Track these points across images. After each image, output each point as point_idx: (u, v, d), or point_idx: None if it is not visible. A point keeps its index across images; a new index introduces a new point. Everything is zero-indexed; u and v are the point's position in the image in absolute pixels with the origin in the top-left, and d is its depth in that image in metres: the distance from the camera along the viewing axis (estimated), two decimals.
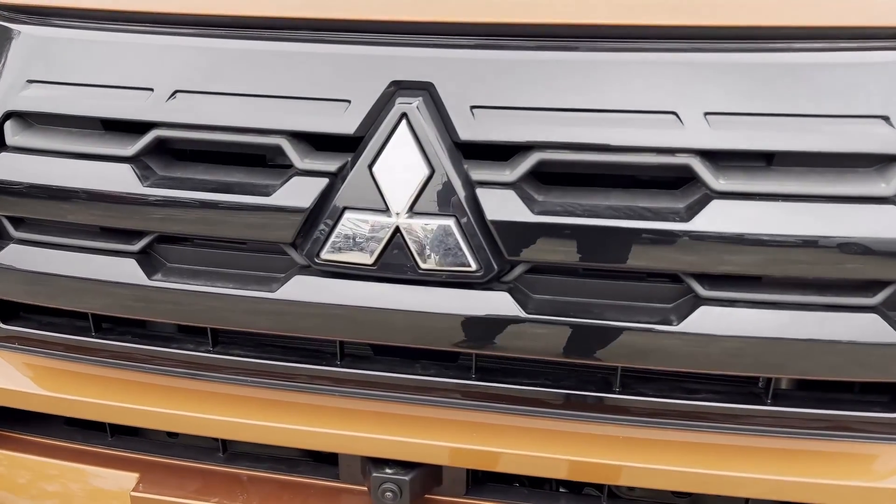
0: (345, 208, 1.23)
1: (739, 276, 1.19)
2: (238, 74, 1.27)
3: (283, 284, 1.29)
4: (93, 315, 1.46)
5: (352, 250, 1.24)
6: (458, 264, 1.22)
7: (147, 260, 1.36)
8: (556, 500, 1.42)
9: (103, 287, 1.37)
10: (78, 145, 1.34)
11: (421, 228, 1.21)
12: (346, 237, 1.23)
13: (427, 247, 1.22)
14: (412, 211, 1.21)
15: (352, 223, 1.23)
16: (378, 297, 1.26)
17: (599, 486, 1.45)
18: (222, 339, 1.44)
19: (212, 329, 1.40)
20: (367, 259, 1.23)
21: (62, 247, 1.39)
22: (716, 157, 1.17)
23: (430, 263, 1.22)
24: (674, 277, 1.22)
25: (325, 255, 1.25)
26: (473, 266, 1.21)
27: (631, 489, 1.49)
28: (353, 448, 1.36)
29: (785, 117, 1.14)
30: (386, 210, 1.22)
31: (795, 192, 1.14)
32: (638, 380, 1.32)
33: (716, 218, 1.14)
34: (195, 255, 1.38)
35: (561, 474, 1.32)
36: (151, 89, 1.30)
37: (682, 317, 1.19)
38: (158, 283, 1.34)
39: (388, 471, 1.34)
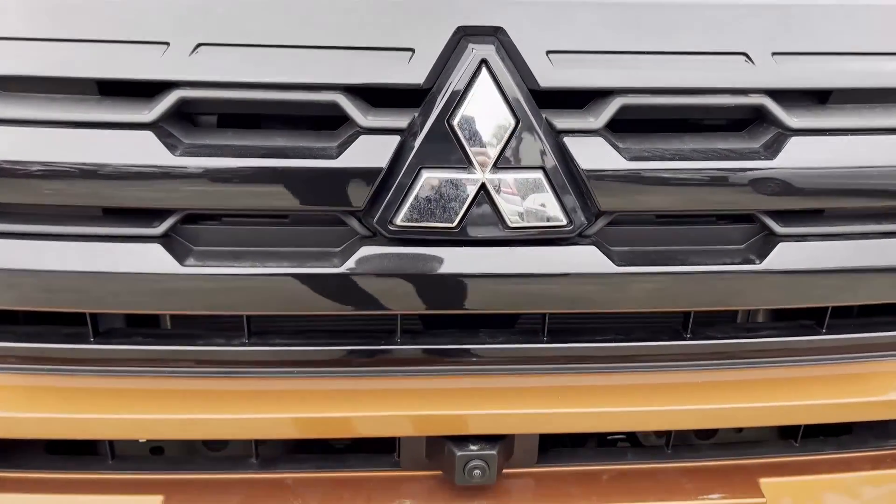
0: (421, 167, 1.12)
1: (809, 210, 1.23)
2: (278, 24, 1.11)
3: (348, 258, 1.16)
4: (91, 317, 1.23)
5: (433, 213, 1.13)
6: (548, 219, 1.15)
7: (171, 244, 1.16)
8: (622, 455, 1.41)
9: (119, 281, 1.15)
10: (73, 113, 1.11)
11: (508, 184, 1.13)
12: (426, 199, 1.12)
13: (515, 203, 1.14)
14: (497, 166, 1.13)
15: (432, 183, 1.12)
16: (461, 262, 1.16)
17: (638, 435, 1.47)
18: (255, 328, 1.27)
19: (246, 318, 1.23)
20: (450, 222, 1.13)
21: (55, 237, 1.15)
22: (783, 97, 1.19)
23: (517, 221, 1.14)
24: (746, 218, 1.24)
25: (401, 221, 1.13)
26: (563, 220, 1.15)
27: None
28: (434, 428, 1.25)
29: (847, 55, 1.19)
30: (469, 166, 1.12)
31: (860, 126, 1.20)
32: (702, 325, 1.33)
33: (796, 155, 1.17)
34: (226, 236, 1.19)
35: (649, 426, 1.31)
36: (167, 43, 1.10)
37: (762, 255, 1.22)
38: (193, 268, 1.15)
39: (472, 448, 1.25)
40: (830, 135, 1.19)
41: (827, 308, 1.30)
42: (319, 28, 1.11)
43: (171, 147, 1.10)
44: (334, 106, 1.11)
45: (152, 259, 1.14)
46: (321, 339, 1.26)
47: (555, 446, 1.43)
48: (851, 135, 1.19)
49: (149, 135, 1.10)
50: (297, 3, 1.12)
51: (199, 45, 1.10)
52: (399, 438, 1.34)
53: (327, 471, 1.35)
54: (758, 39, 1.17)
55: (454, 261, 1.16)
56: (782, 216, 1.22)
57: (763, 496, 1.33)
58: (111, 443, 1.35)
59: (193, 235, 1.19)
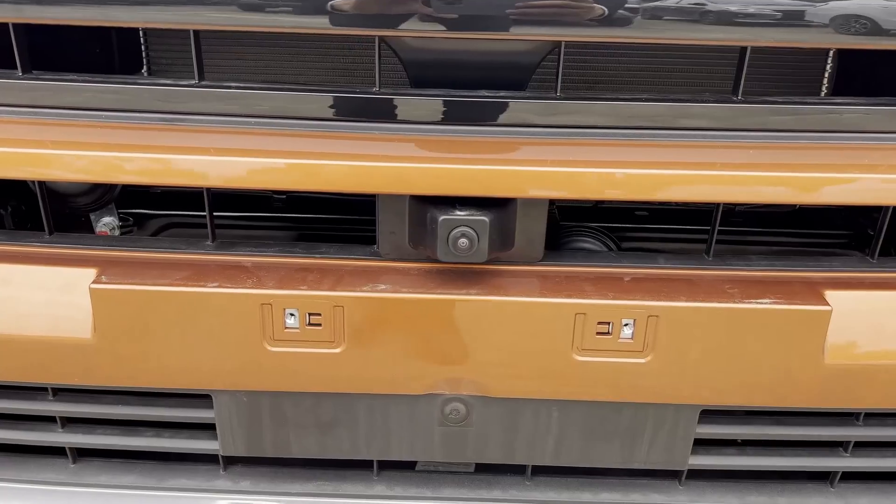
0: None
1: None
2: None
3: None
4: (17, 47, 1.05)
5: None
6: None
7: None
8: (653, 260, 1.15)
9: None
10: None
11: None
12: None
13: None
14: None
15: None
16: None
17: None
18: (210, 68, 1.07)
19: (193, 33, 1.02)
20: None
21: None
22: None
23: None
24: None
25: None
26: None
27: None
28: (412, 185, 1.02)
29: None
30: None
31: None
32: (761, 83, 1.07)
33: None
34: None
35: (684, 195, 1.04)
36: None
37: None
38: None
39: (459, 213, 1.02)
40: None
41: None
42: None
43: None
44: None
45: None
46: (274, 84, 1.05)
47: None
48: None
49: None
50: None
51: None
52: (378, 224, 1.11)
53: (294, 257, 1.14)
54: None
55: None
56: None
57: (828, 305, 1.06)
58: (52, 217, 1.17)
59: None
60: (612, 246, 1.32)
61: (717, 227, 1.14)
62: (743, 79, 1.04)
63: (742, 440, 1.22)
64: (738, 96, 1.05)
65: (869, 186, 1.04)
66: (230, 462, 1.28)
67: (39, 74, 1.08)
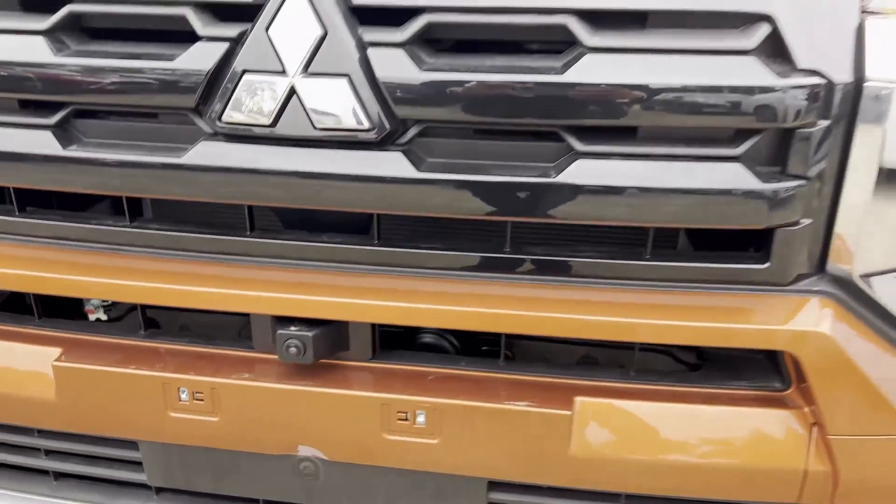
0: (244, 71, 1.29)
1: (612, 129, 1.26)
2: None
3: (189, 150, 1.36)
4: (15, 194, 1.52)
5: (250, 111, 1.30)
6: (352, 124, 1.28)
7: (64, 134, 1.42)
8: (456, 362, 1.50)
9: (18, 161, 1.43)
10: None
11: (315, 87, 1.27)
12: (245, 98, 1.30)
13: (321, 106, 1.28)
14: (307, 71, 1.27)
15: (249, 84, 1.29)
16: (276, 159, 1.32)
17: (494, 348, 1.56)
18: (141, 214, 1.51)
19: (128, 204, 1.47)
20: (264, 119, 1.30)
21: None
22: (593, 18, 1.24)
23: (325, 123, 1.29)
24: (555, 136, 1.29)
25: (226, 117, 1.31)
26: (366, 124, 1.28)
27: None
28: (257, 307, 1.43)
29: None
30: (282, 71, 1.28)
31: (666, 47, 1.21)
32: (528, 242, 1.40)
33: (587, 69, 1.21)
34: (110, 130, 1.43)
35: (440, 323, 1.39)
36: None
37: (560, 170, 1.27)
38: (73, 153, 1.40)
39: (292, 328, 1.41)
40: (632, 53, 1.22)
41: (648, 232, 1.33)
42: None
43: (57, 50, 1.35)
44: (184, 19, 1.31)
45: (43, 144, 1.41)
46: (185, 227, 1.48)
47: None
48: (656, 53, 1.21)
49: (41, 40, 1.37)
50: None
51: None
52: (251, 325, 1.52)
53: (195, 346, 1.56)
54: None
55: (269, 157, 1.32)
56: (584, 134, 1.26)
57: (570, 410, 1.37)
58: (39, 301, 1.65)
59: (86, 129, 1.43)
60: (452, 343, 1.66)
61: (504, 344, 1.49)
62: (508, 238, 1.38)
63: None
64: (507, 248, 1.39)
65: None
66: (160, 490, 1.72)
67: (32, 212, 1.56)
